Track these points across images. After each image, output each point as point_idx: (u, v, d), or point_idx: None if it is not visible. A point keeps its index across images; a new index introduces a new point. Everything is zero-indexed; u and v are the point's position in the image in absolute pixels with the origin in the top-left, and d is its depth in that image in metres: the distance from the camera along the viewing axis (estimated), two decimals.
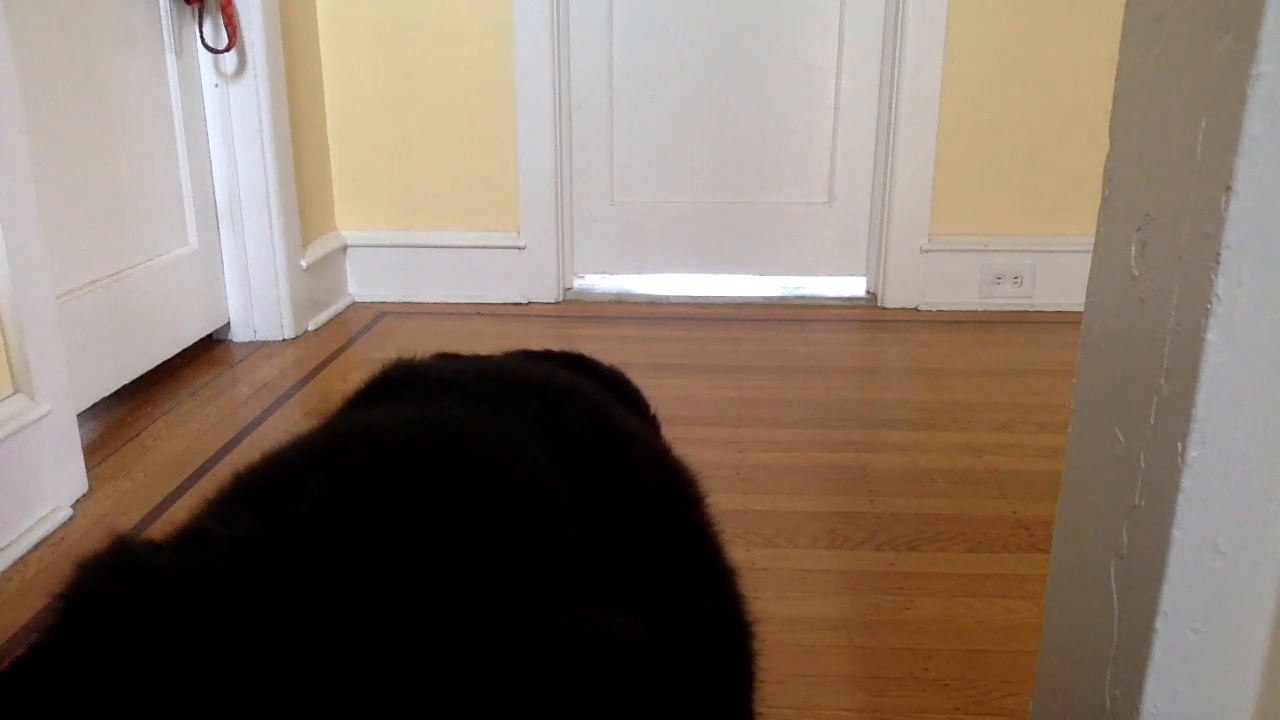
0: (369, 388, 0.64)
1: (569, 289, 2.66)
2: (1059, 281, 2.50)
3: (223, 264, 2.24)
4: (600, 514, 0.52)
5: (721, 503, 1.49)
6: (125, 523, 1.43)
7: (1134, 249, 0.62)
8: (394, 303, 2.60)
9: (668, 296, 2.62)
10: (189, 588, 0.37)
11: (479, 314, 2.52)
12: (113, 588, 0.37)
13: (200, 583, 0.38)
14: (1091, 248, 0.68)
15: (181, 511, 1.47)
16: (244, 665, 0.36)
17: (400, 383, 0.63)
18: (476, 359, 0.71)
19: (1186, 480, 0.57)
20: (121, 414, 1.84)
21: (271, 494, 0.46)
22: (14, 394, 1.40)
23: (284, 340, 2.29)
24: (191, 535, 0.43)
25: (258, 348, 2.24)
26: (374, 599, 0.39)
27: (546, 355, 0.84)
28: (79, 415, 1.58)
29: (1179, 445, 0.57)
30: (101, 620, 0.36)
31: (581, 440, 0.56)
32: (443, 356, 0.72)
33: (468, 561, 0.43)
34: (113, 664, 0.35)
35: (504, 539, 0.45)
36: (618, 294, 2.65)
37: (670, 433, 0.83)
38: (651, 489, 0.58)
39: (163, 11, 2.00)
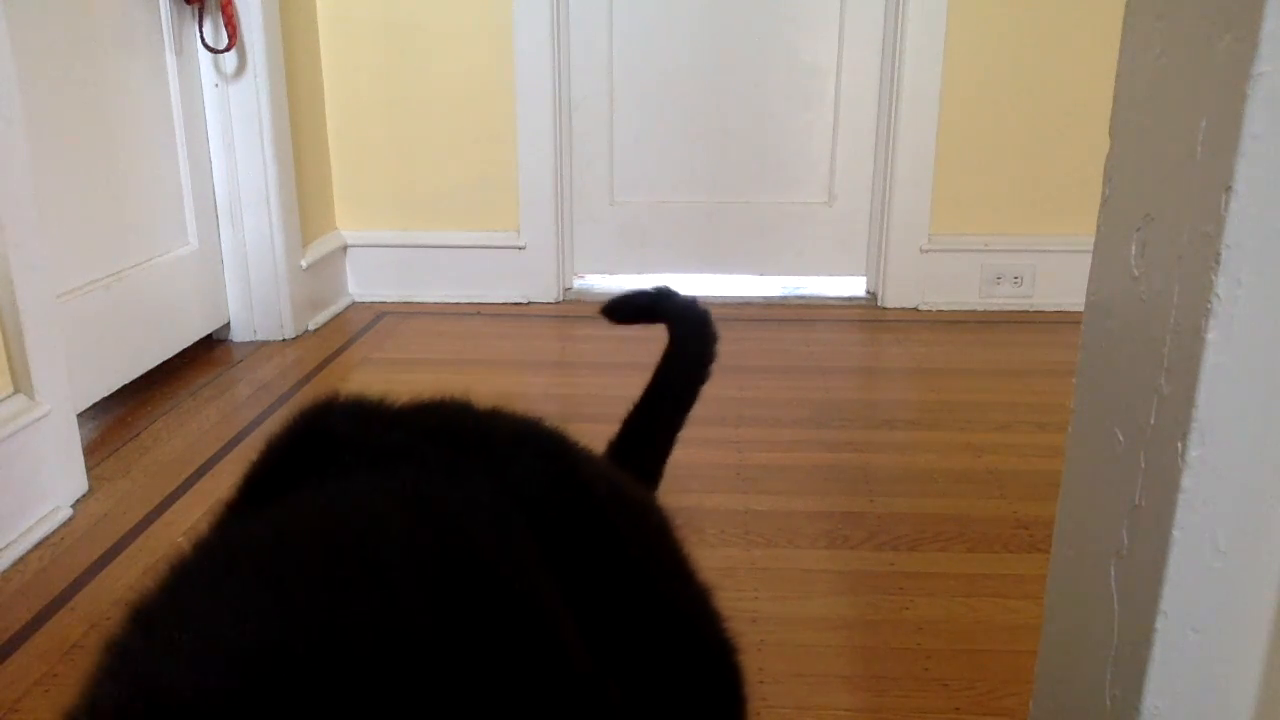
0: (286, 450, 0.56)
1: (569, 289, 2.66)
2: (1059, 281, 2.50)
3: (223, 264, 2.24)
4: (574, 570, 0.52)
5: (721, 503, 1.50)
6: (125, 523, 1.43)
7: (1134, 249, 0.62)
8: (394, 303, 2.60)
9: None
10: None
11: (479, 314, 2.52)
12: None
13: None
14: (1091, 248, 0.68)
15: (181, 513, 1.47)
16: None
17: (328, 445, 0.56)
18: (410, 410, 0.62)
19: (1186, 480, 0.57)
20: (121, 414, 1.84)
21: None
22: (14, 394, 1.40)
23: (284, 340, 2.29)
24: None
25: (258, 348, 2.24)
26: None
27: (651, 294, 0.82)
28: (79, 415, 1.58)
29: (1179, 445, 0.57)
30: None
31: (543, 497, 0.55)
32: (357, 413, 0.61)
33: None
34: None
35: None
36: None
37: None
38: (617, 530, 0.58)
39: (163, 11, 2.00)
